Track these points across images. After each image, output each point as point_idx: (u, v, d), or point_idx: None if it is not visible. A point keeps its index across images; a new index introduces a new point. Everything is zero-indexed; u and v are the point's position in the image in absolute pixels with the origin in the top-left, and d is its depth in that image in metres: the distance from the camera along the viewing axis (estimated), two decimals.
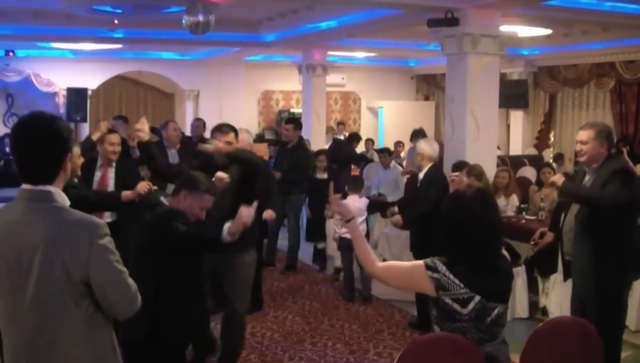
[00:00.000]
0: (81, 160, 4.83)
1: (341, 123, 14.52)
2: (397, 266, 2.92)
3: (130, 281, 2.39)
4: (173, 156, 7.00)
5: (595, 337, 2.87)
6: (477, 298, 2.65)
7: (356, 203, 6.95)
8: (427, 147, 6.14)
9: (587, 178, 4.49)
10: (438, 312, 2.73)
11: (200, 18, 6.87)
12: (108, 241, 2.31)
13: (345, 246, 6.90)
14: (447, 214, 2.81)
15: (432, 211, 5.22)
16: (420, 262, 2.75)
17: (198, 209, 3.75)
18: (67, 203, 2.36)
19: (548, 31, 10.29)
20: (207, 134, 7.40)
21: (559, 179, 4.47)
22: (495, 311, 2.69)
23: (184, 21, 7.02)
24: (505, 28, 8.24)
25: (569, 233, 4.58)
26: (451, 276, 2.66)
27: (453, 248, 2.74)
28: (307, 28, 10.12)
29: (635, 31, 9.84)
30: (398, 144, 11.89)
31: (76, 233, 2.26)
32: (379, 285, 7.42)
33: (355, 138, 11.54)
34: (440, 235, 2.78)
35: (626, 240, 4.27)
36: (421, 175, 6.09)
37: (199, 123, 9.04)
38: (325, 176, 8.26)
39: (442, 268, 2.69)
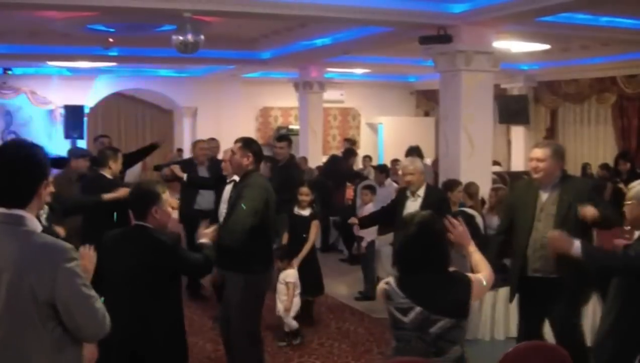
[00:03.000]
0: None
1: None
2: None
3: (99, 305, 2.42)
4: (202, 173, 7.60)
5: (568, 360, 2.79)
6: (418, 308, 2.88)
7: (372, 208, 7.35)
8: (420, 164, 6.07)
9: (542, 192, 4.53)
10: (389, 320, 3.04)
11: (189, 37, 6.86)
12: (75, 264, 2.36)
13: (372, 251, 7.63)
14: (395, 237, 3.23)
15: None
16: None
17: (169, 216, 3.70)
18: (39, 228, 2.42)
19: (545, 46, 10.25)
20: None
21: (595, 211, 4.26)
22: (440, 323, 2.85)
23: (172, 41, 7.02)
24: (501, 44, 8.20)
25: (540, 250, 4.50)
26: (396, 288, 2.96)
27: (400, 265, 3.08)
28: (303, 45, 10.14)
29: (636, 46, 9.79)
30: (395, 162, 11.76)
31: (43, 256, 2.32)
32: (372, 305, 7.36)
33: (351, 153, 11.16)
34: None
35: None
36: (420, 193, 5.93)
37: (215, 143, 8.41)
38: (306, 213, 6.58)
39: (391, 280, 3.02)
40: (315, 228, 6.56)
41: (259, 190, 4.56)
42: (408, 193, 5.99)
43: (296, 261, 6.23)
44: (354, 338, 6.36)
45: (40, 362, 2.35)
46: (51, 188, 2.64)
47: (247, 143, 4.70)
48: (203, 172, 7.61)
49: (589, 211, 4.22)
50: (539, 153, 4.49)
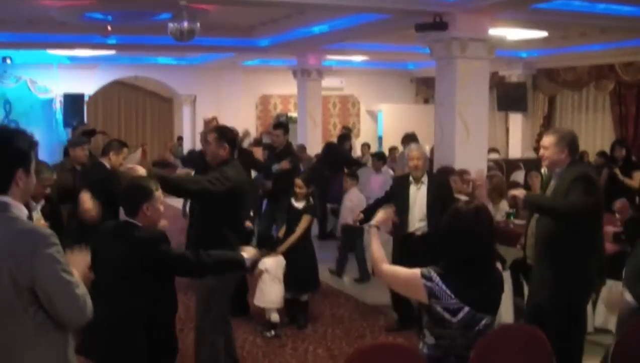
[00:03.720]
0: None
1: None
2: (398, 270, 3.09)
3: (79, 291, 2.42)
4: None
5: (545, 343, 2.84)
6: (467, 308, 2.80)
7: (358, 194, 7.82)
8: (424, 150, 6.25)
9: (552, 181, 4.51)
10: (429, 318, 2.89)
11: (185, 25, 6.90)
12: (55, 250, 2.36)
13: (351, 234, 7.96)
14: (444, 228, 2.99)
15: None
16: (417, 270, 2.91)
17: (161, 214, 3.56)
18: (24, 214, 2.43)
19: (542, 34, 10.22)
20: None
21: (520, 193, 4.50)
22: (484, 321, 2.83)
23: (168, 28, 7.07)
24: (497, 31, 8.20)
25: (532, 238, 4.56)
26: (443, 287, 2.81)
27: (448, 259, 2.90)
28: (301, 32, 10.14)
29: (634, 33, 9.77)
30: (393, 150, 11.82)
31: (22, 241, 2.33)
32: (367, 291, 7.45)
33: (345, 138, 11.15)
34: (437, 246, 2.97)
35: (589, 248, 4.22)
36: (424, 179, 6.02)
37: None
38: (300, 205, 6.39)
39: (436, 278, 2.84)
40: (304, 222, 6.30)
41: (225, 177, 4.47)
42: (411, 180, 6.04)
43: (279, 251, 6.19)
44: (347, 325, 6.43)
45: (23, 346, 2.37)
46: (35, 179, 2.58)
47: (222, 134, 4.66)
48: None
49: (516, 192, 4.51)
50: (544, 140, 4.47)
